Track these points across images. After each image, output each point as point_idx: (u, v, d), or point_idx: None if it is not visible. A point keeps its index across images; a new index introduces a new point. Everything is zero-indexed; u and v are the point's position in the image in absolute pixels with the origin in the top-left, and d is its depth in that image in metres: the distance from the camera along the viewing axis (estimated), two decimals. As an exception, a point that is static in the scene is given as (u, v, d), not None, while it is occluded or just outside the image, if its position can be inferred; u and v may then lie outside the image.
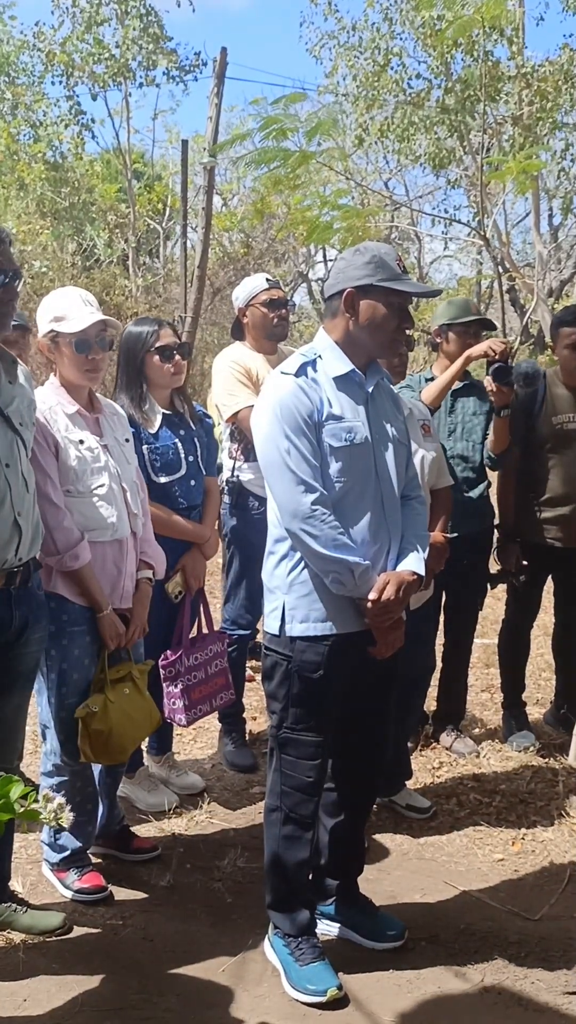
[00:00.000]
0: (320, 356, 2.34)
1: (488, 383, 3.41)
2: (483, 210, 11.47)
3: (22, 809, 1.29)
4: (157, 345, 3.09)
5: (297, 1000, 2.36)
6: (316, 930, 2.51)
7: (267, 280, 3.68)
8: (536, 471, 3.67)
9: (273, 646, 2.39)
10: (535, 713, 4.14)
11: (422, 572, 2.38)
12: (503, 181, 11.09)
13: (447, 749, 3.82)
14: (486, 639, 5.23)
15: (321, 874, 2.60)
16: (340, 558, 2.24)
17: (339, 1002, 2.35)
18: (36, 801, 1.31)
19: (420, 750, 3.79)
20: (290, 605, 2.33)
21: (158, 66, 15.72)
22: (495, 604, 5.81)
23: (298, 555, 2.32)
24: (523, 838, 3.18)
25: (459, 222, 14.28)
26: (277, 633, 2.35)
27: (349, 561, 2.25)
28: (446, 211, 16.34)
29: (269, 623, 2.39)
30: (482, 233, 10.18)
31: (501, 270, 13.60)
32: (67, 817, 1.35)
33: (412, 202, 18.50)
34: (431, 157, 14.75)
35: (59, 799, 1.36)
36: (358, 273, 2.30)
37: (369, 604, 2.29)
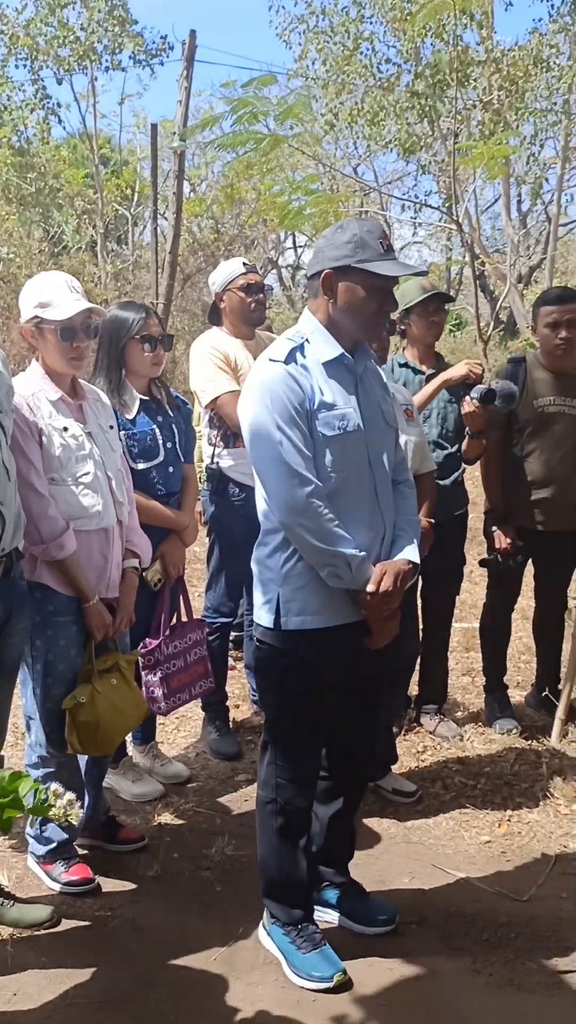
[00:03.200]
0: (307, 340, 2.29)
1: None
2: (454, 195, 11.47)
3: (32, 805, 1.26)
4: (142, 333, 3.05)
5: (303, 987, 2.36)
6: (313, 916, 2.51)
7: (244, 265, 3.64)
8: (517, 455, 3.67)
9: (267, 639, 2.35)
10: (517, 696, 4.16)
11: (417, 560, 2.36)
12: (474, 166, 11.11)
13: (431, 733, 3.83)
14: (465, 623, 5.26)
15: (314, 861, 2.59)
16: (337, 551, 2.21)
17: (343, 986, 2.35)
18: (44, 797, 1.29)
19: (404, 734, 3.80)
20: (285, 598, 2.29)
21: (124, 49, 15.51)
22: (473, 588, 5.86)
23: (292, 547, 2.27)
24: (509, 820, 3.20)
25: (430, 206, 14.26)
26: (271, 626, 2.31)
27: (346, 554, 2.21)
28: (416, 197, 16.31)
29: (262, 616, 2.35)
30: (454, 218, 10.17)
31: (471, 256, 13.63)
32: (77, 814, 1.32)
33: (382, 188, 18.46)
34: (401, 142, 14.73)
35: (68, 795, 1.33)
36: (337, 253, 2.24)
37: (367, 597, 2.27)
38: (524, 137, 13.88)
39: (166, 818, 3.21)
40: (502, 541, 3.62)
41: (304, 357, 2.27)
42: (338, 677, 2.38)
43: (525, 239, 20.00)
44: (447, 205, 15.13)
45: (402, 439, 2.98)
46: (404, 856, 3.01)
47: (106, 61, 15.58)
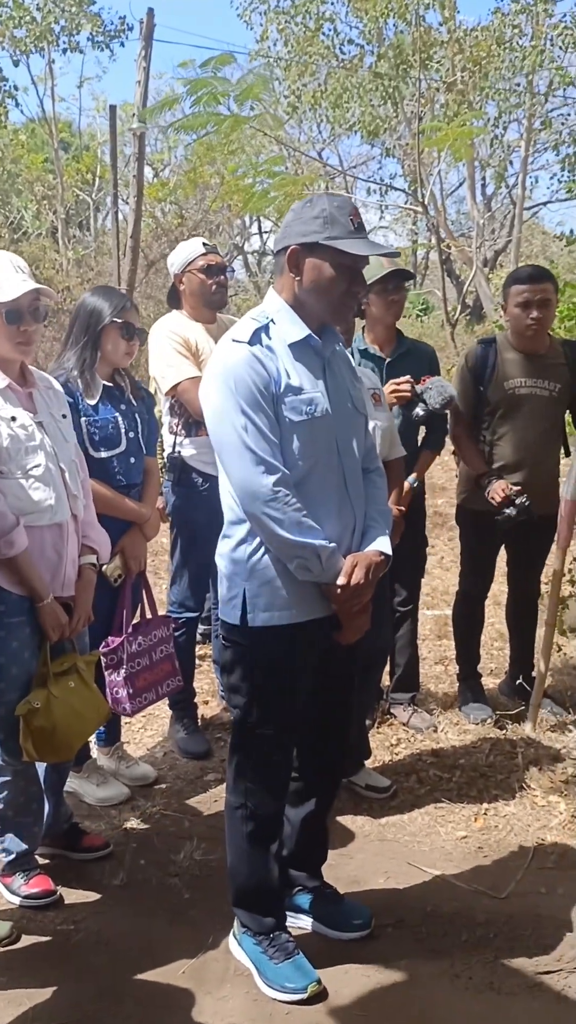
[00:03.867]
0: (273, 320, 2.17)
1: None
2: (419, 177, 11.37)
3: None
4: (123, 319, 2.95)
5: (276, 999, 2.26)
6: (286, 924, 2.41)
7: (204, 245, 3.51)
8: (488, 438, 3.59)
9: (234, 637, 2.24)
10: (490, 684, 4.09)
11: (389, 552, 2.25)
12: (439, 148, 11.02)
13: (404, 725, 3.75)
14: (437, 610, 5.18)
15: (285, 865, 2.49)
16: (306, 542, 2.09)
17: (318, 997, 2.25)
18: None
19: (377, 727, 3.71)
20: (251, 593, 2.18)
21: (82, 30, 15.21)
22: (444, 575, 5.79)
23: (258, 539, 2.16)
24: (485, 813, 3.12)
25: (396, 188, 14.15)
26: (238, 623, 2.20)
27: (315, 545, 2.10)
28: (381, 180, 16.19)
29: (227, 612, 2.24)
30: (420, 200, 10.09)
31: (437, 239, 13.55)
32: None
33: (347, 172, 18.32)
34: (365, 125, 14.59)
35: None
36: (304, 228, 2.13)
37: (338, 590, 2.16)
38: (488, 119, 13.80)
39: (132, 823, 3.09)
40: (498, 493, 3.44)
41: (269, 338, 2.15)
42: (308, 675, 2.27)
43: (490, 223, 19.95)
44: (412, 188, 15.05)
45: (370, 424, 2.87)
46: (379, 855, 2.92)
47: (63, 42, 15.28)
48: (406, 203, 14.84)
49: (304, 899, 2.54)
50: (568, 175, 15.21)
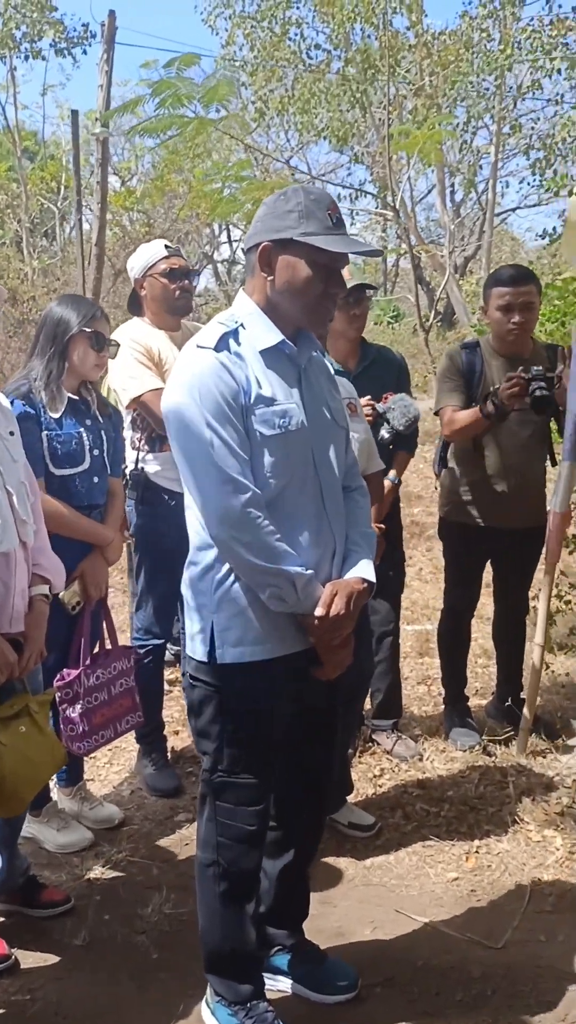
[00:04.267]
0: (242, 325, 1.96)
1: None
2: (391, 182, 11.24)
3: None
4: (93, 328, 2.77)
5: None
6: (264, 990, 2.18)
7: (166, 247, 3.29)
8: (473, 447, 3.40)
9: (201, 676, 2.01)
10: (475, 702, 3.89)
11: (372, 579, 2.04)
12: (409, 153, 10.90)
13: (388, 753, 3.53)
14: (418, 624, 4.99)
15: (262, 923, 2.27)
16: (279, 569, 1.88)
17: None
18: None
19: (358, 756, 3.49)
20: (220, 626, 1.96)
21: (44, 37, 14.95)
22: (424, 587, 5.59)
23: (227, 566, 1.94)
24: (477, 851, 2.91)
25: (366, 192, 14.02)
26: (205, 660, 1.98)
27: (290, 572, 1.89)
28: (350, 186, 16.08)
29: (194, 648, 2.01)
30: (392, 205, 9.95)
31: (408, 245, 13.44)
32: None
33: (315, 181, 18.18)
34: (334, 131, 14.47)
35: None
36: (278, 223, 1.92)
37: (316, 621, 1.95)
38: (457, 123, 13.72)
39: (96, 871, 2.85)
40: (512, 384, 3.10)
41: (238, 344, 1.94)
42: (285, 715, 2.06)
43: (460, 229, 19.92)
44: (382, 195, 14.95)
45: (346, 437, 2.67)
46: (364, 901, 2.70)
47: (25, 49, 15.01)
48: (376, 209, 14.73)
49: (283, 959, 2.31)
50: (538, 179, 15.18)
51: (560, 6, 12.70)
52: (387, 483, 3.32)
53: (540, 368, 3.14)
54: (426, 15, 13.69)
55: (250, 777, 2.02)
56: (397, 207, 11.76)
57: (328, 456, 2.04)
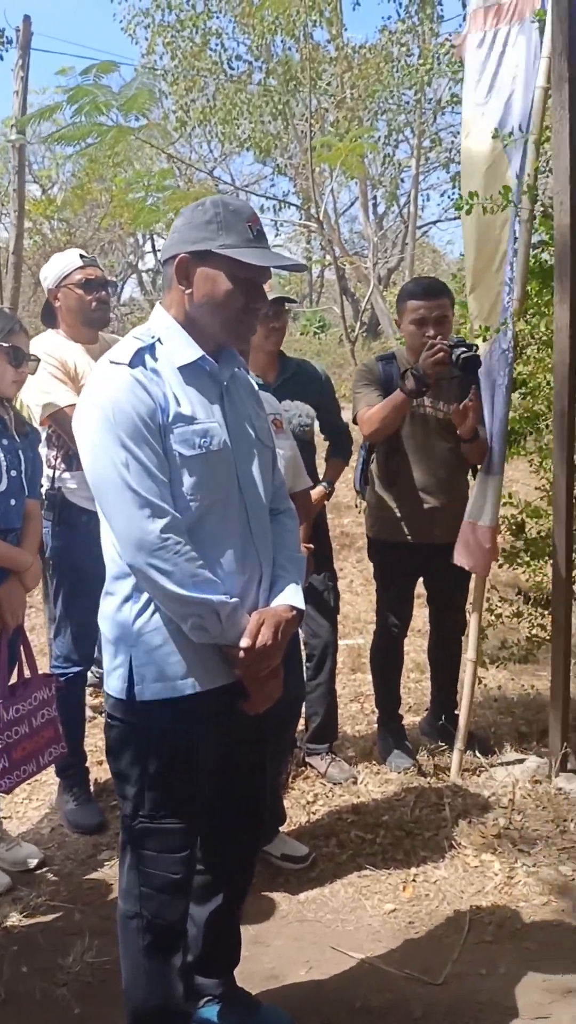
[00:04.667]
0: (159, 340, 1.84)
1: None
2: (314, 194, 11.23)
3: None
4: (10, 343, 2.64)
5: None
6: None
7: (81, 257, 3.14)
8: (396, 463, 3.33)
9: (119, 714, 1.87)
10: (409, 719, 3.81)
11: (301, 606, 1.93)
12: (332, 164, 10.91)
13: (321, 776, 3.43)
14: (349, 639, 4.90)
15: (191, 974, 2.13)
16: (202, 599, 1.76)
17: None
18: None
19: (292, 782, 3.38)
20: (139, 661, 1.82)
21: (-43, 41, 14.55)
22: (355, 600, 5.52)
23: (145, 596, 1.81)
24: (414, 880, 2.82)
25: (290, 203, 14.03)
26: (124, 697, 1.84)
27: (213, 601, 1.77)
28: (274, 197, 16.08)
29: (112, 684, 1.87)
30: (316, 216, 9.93)
31: (333, 257, 13.47)
32: None
33: (238, 192, 18.14)
34: (256, 142, 14.43)
35: None
36: (195, 235, 1.81)
37: (242, 653, 1.83)
38: (378, 136, 13.83)
39: (13, 918, 2.67)
40: (435, 350, 3.01)
41: (155, 360, 1.82)
42: (211, 753, 1.93)
43: (383, 242, 20.11)
44: (305, 206, 14.97)
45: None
46: (298, 939, 2.58)
47: None
48: (300, 220, 14.74)
49: (213, 1010, 2.17)
50: (457, 193, 15.41)
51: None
52: (319, 488, 3.24)
53: (456, 336, 3.12)
54: (346, 29, 13.80)
55: (175, 822, 1.89)
56: (321, 219, 11.76)
57: (253, 477, 1.93)
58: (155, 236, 20.46)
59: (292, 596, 1.93)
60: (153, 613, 1.82)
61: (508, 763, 3.45)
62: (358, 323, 14.52)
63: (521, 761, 3.45)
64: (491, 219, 3.04)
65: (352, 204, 22.19)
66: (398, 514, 3.36)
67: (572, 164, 2.81)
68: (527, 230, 3.04)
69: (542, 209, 3.19)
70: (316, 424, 3.30)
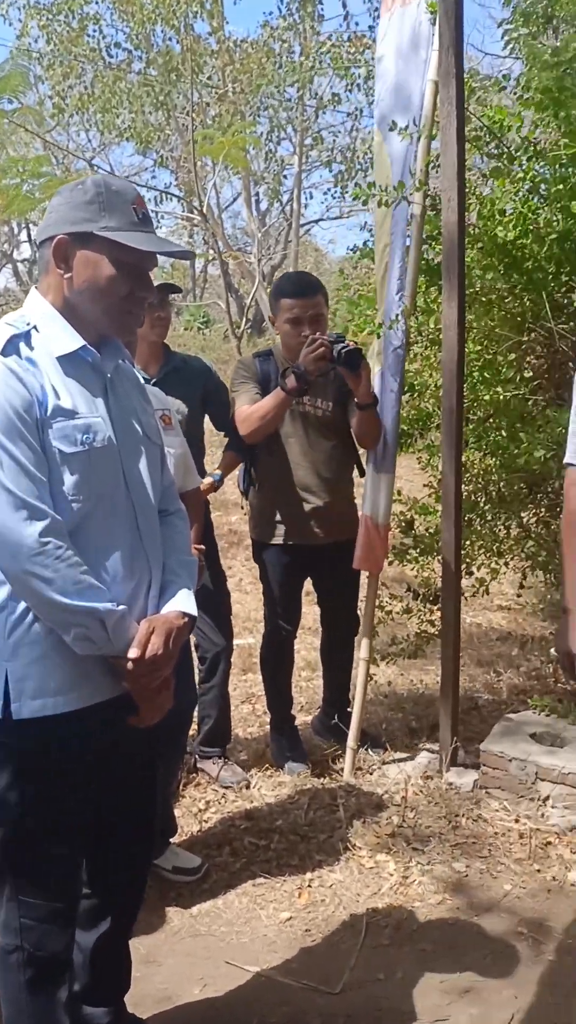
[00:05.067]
0: (35, 327, 1.70)
1: None
2: (197, 187, 11.07)
3: None
4: None
5: None
6: None
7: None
8: (277, 463, 3.26)
9: None
10: (302, 719, 3.76)
11: (193, 612, 1.83)
12: (215, 158, 10.79)
13: (213, 780, 3.34)
14: (239, 639, 4.82)
15: (78, 1004, 2.00)
16: (86, 607, 1.63)
17: None
18: None
19: (182, 789, 3.27)
20: (16, 675, 1.68)
21: None
22: (244, 598, 5.43)
23: (23, 605, 1.67)
24: (310, 885, 2.77)
25: (172, 195, 13.79)
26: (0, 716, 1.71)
27: (98, 609, 1.65)
28: (155, 188, 15.79)
29: None
30: (199, 209, 9.77)
31: (217, 251, 13.34)
32: None
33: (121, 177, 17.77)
34: (136, 133, 14.14)
35: None
36: (75, 215, 1.69)
37: (130, 664, 1.71)
38: (261, 132, 13.79)
39: None
40: (316, 346, 2.96)
41: (31, 349, 1.68)
42: (96, 771, 1.81)
43: (266, 238, 20.10)
44: (187, 199, 14.77)
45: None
46: (192, 956, 2.49)
47: None
48: (183, 211, 14.54)
49: (104, 1041, 2.06)
50: (339, 192, 15.53)
51: (357, 24, 13.04)
52: (208, 480, 3.14)
53: (334, 332, 3.09)
54: (227, 22, 13.69)
55: (57, 848, 1.76)
56: (205, 212, 11.62)
57: (141, 476, 1.82)
58: (30, 225, 19.80)
59: (184, 602, 1.83)
60: (32, 624, 1.69)
61: (400, 760, 3.45)
62: (243, 320, 14.45)
63: (413, 757, 3.46)
64: (383, 212, 3.03)
65: (235, 199, 22.09)
66: (280, 515, 3.30)
67: (460, 160, 2.81)
68: (419, 226, 3.02)
69: (430, 205, 3.18)
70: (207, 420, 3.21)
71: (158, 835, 2.67)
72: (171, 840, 2.85)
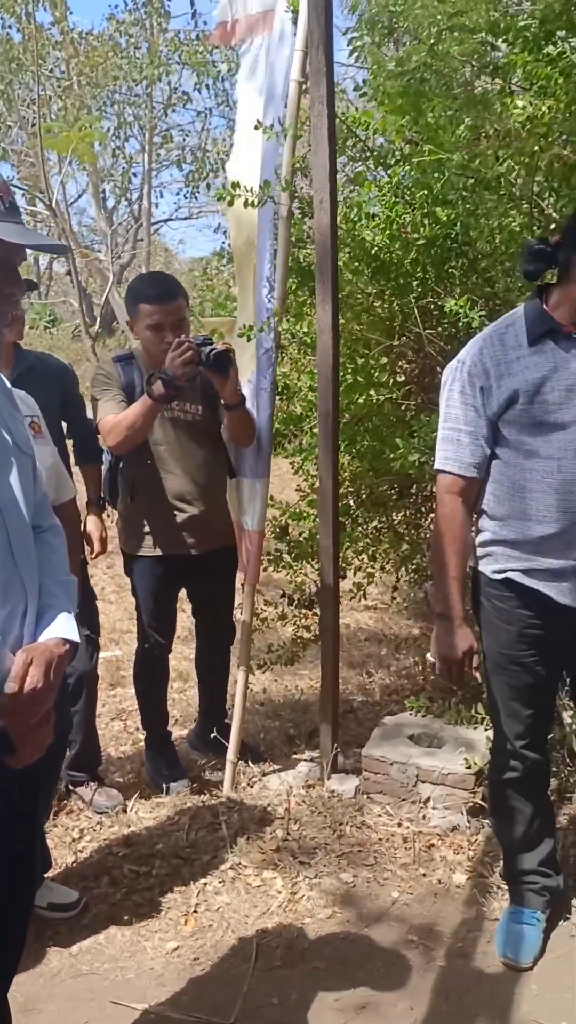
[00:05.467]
0: None
1: None
2: (45, 181, 10.67)
3: None
4: None
5: None
6: None
7: None
8: (147, 472, 3.11)
9: None
10: (177, 732, 3.64)
11: (75, 637, 1.68)
12: (61, 152, 10.42)
13: (87, 805, 3.16)
14: (106, 652, 4.63)
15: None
16: None
17: None
18: None
19: (54, 818, 3.09)
20: None
21: None
22: (109, 609, 5.22)
23: None
24: (195, 910, 2.66)
25: (17, 187, 13.24)
26: None
27: None
28: (-2, 183, 15.17)
29: None
30: (47, 204, 9.38)
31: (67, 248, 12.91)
32: None
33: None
34: (-26, 124, 13.54)
35: None
36: None
37: (6, 700, 1.55)
38: (108, 128, 13.48)
39: None
40: (182, 350, 2.84)
41: None
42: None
43: (115, 237, 19.68)
44: (32, 194, 14.23)
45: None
46: (74, 999, 2.33)
47: None
48: (30, 202, 14.00)
49: None
50: (189, 192, 15.41)
51: (205, 22, 12.89)
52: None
53: (200, 334, 3.01)
54: (71, 12, 13.29)
55: None
56: (53, 207, 11.20)
57: (12, 490, 1.66)
58: None
59: (64, 627, 1.68)
60: None
61: (280, 770, 3.39)
62: (96, 319, 14.07)
63: (293, 766, 3.40)
64: (249, 213, 2.95)
65: (81, 195, 21.53)
66: (152, 527, 3.16)
67: (331, 161, 2.77)
68: (286, 227, 2.97)
69: (299, 207, 3.14)
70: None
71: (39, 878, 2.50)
72: (45, 875, 2.67)
